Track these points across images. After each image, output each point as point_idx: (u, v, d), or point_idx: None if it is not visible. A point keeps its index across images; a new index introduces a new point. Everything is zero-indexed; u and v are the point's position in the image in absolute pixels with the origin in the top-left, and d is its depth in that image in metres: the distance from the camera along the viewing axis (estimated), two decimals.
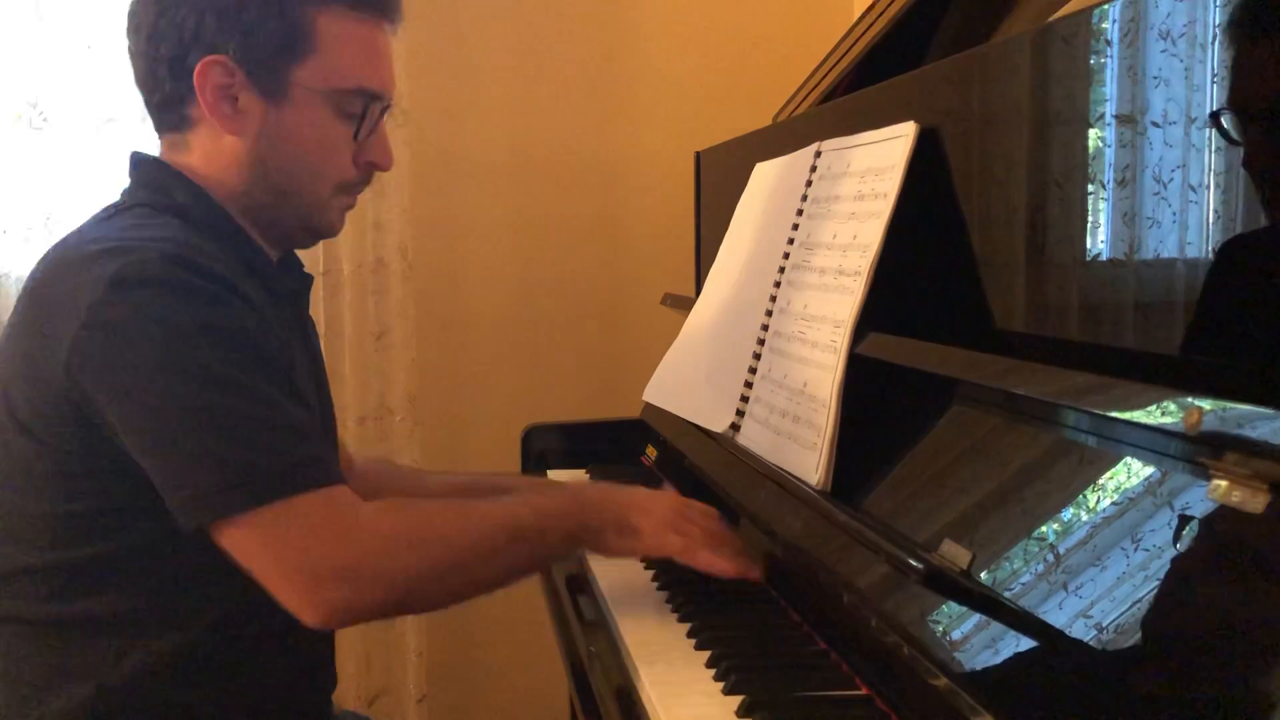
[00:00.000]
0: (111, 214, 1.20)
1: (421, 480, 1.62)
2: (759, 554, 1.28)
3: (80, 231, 1.20)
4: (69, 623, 1.12)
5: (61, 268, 1.13)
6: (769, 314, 1.37)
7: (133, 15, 1.20)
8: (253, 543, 1.06)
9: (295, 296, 1.30)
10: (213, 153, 1.20)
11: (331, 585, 1.06)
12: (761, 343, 1.37)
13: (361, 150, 1.24)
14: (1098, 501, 0.81)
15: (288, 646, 1.18)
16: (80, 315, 1.05)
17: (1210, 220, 0.82)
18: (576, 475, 1.83)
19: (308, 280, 1.34)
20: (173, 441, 1.05)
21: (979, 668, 0.82)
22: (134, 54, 1.21)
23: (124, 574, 1.12)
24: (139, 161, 1.24)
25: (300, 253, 2.37)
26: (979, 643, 0.84)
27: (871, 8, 1.72)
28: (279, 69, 1.17)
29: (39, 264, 1.18)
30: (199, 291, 1.07)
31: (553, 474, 1.86)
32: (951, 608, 0.87)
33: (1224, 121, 0.80)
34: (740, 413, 1.37)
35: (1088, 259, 0.95)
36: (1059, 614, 0.78)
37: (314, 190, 1.22)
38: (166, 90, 1.19)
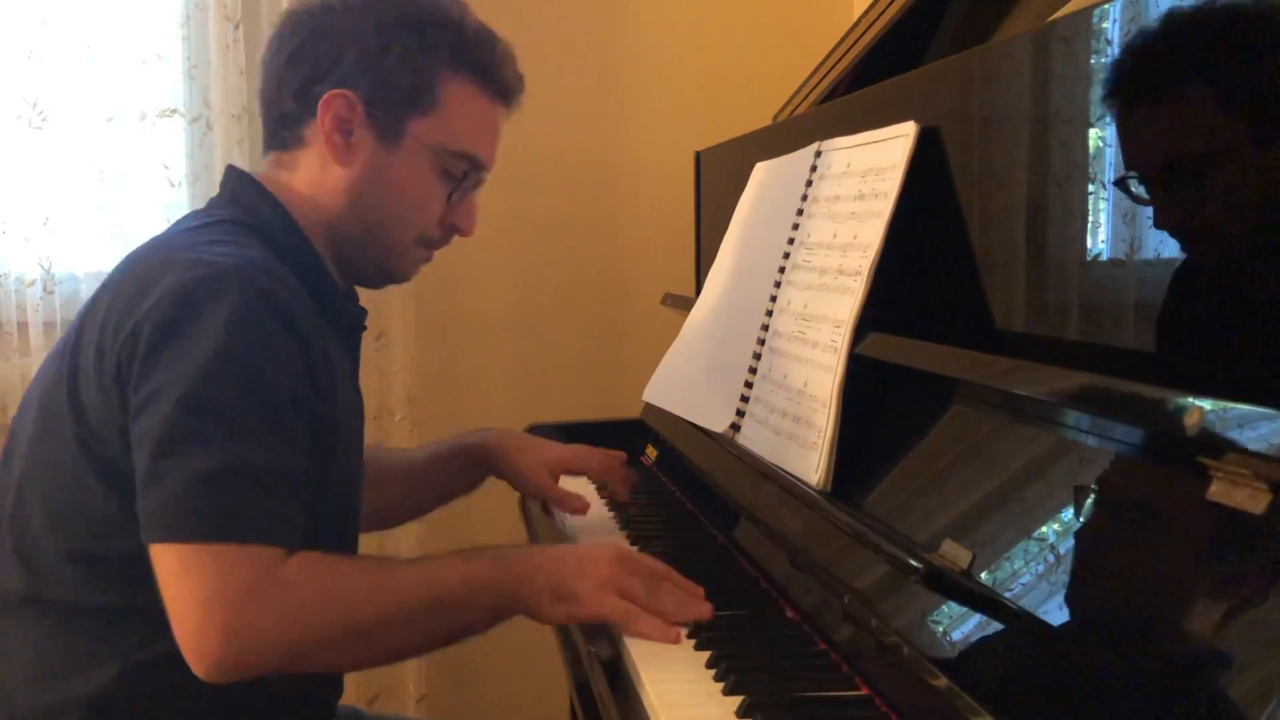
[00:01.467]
0: (200, 224, 1.23)
1: (388, 459, 1.62)
2: (759, 555, 1.28)
3: (169, 235, 1.23)
4: (99, 610, 1.14)
5: (143, 268, 1.15)
6: (769, 314, 1.37)
7: (279, 35, 1.27)
8: (167, 574, 1.06)
9: (352, 330, 1.33)
10: (315, 176, 1.25)
11: (216, 642, 1.04)
12: (761, 343, 1.37)
13: (450, 211, 1.30)
14: (1098, 501, 0.81)
15: None
16: (141, 312, 1.09)
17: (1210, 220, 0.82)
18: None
19: (363, 314, 1.37)
20: (155, 451, 1.06)
21: (979, 668, 0.82)
22: (268, 71, 1.27)
23: (153, 571, 1.11)
24: (232, 174, 1.28)
25: None
26: (979, 643, 0.84)
27: (871, 7, 1.72)
28: (399, 116, 1.23)
29: (124, 260, 1.21)
30: (253, 319, 1.09)
31: None
32: (951, 608, 0.87)
33: (1130, 186, 0.83)
34: (740, 413, 1.37)
35: (1088, 259, 0.95)
36: (1059, 614, 0.78)
37: (398, 235, 1.28)
38: (288, 110, 1.25)
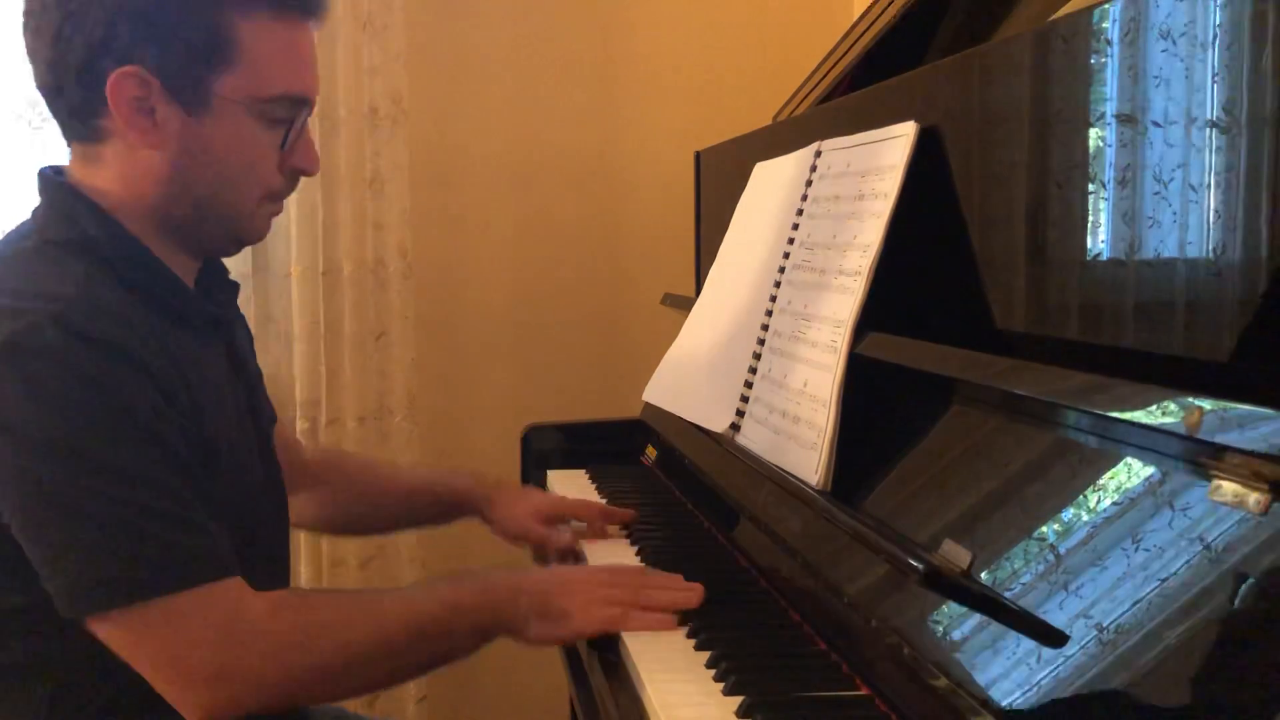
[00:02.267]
0: (19, 251, 1.13)
1: (374, 475, 1.60)
2: (759, 555, 1.28)
3: None
4: (3, 669, 1.09)
5: None
6: (769, 314, 1.37)
7: (31, 15, 1.12)
8: (125, 641, 1.02)
9: (218, 324, 1.22)
10: (127, 168, 1.13)
11: (205, 687, 1.02)
12: (761, 342, 1.37)
13: (287, 156, 1.17)
14: (1098, 501, 0.81)
15: None
16: None
17: (1210, 220, 0.82)
18: (577, 475, 1.83)
19: (233, 290, 1.29)
20: (47, 527, 1.00)
21: (979, 668, 0.82)
22: (34, 57, 1.13)
23: (49, 622, 1.06)
24: (48, 183, 1.17)
25: (302, 251, 2.39)
26: (979, 643, 0.84)
27: (871, 8, 1.72)
28: (199, 80, 1.10)
29: None
30: (86, 363, 1.01)
31: (553, 474, 1.86)
32: (951, 608, 0.87)
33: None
34: (740, 413, 1.37)
35: (1088, 259, 0.95)
36: (1059, 614, 0.78)
37: (239, 202, 1.16)
38: (75, 100, 1.11)
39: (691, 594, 1.16)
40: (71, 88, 1.11)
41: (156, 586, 1.00)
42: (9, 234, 1.18)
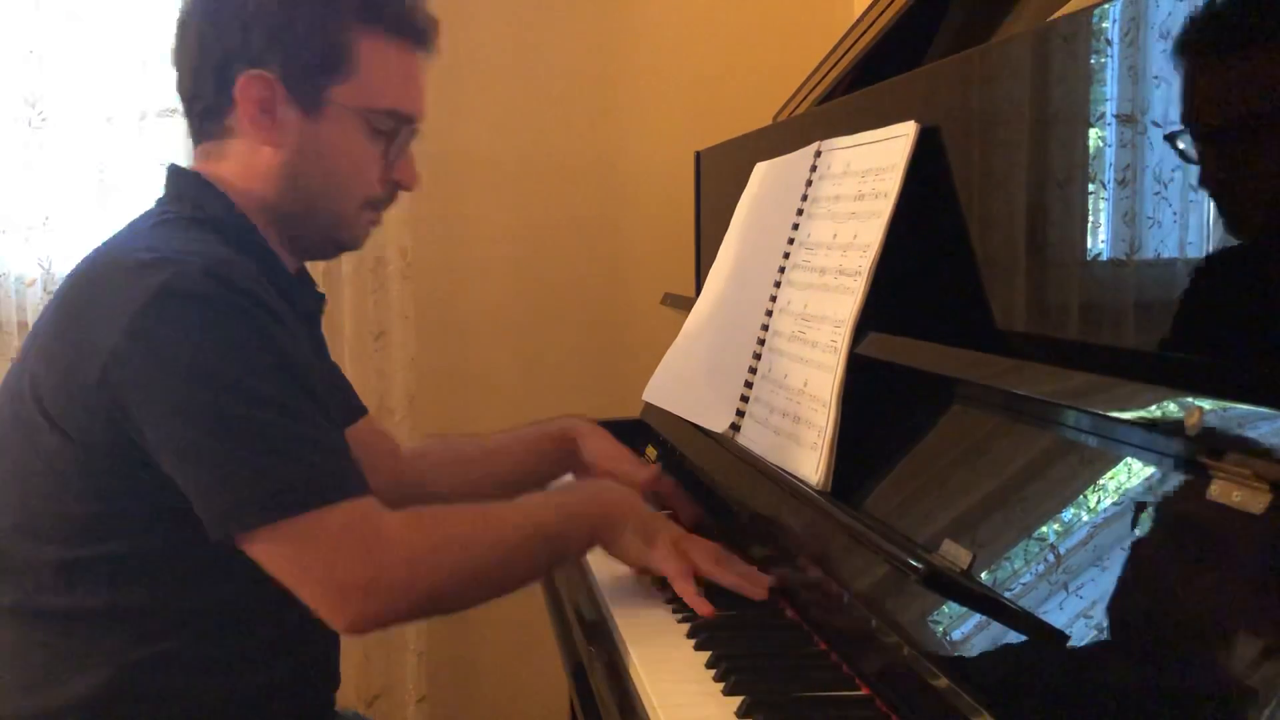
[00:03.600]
0: (152, 223, 1.23)
1: (473, 442, 1.65)
2: (759, 555, 1.28)
3: (123, 238, 1.22)
4: (83, 615, 1.14)
5: (105, 273, 1.15)
6: (769, 314, 1.37)
7: (182, 25, 1.25)
8: (278, 556, 1.09)
9: (311, 315, 1.33)
10: (248, 162, 1.23)
11: (357, 598, 1.09)
12: (761, 343, 1.37)
13: (389, 169, 1.28)
14: (1098, 501, 0.81)
15: (296, 646, 1.21)
16: (123, 324, 1.08)
17: (1210, 220, 0.82)
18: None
19: (322, 300, 1.38)
20: (203, 454, 1.08)
21: (979, 668, 0.82)
22: (178, 61, 1.25)
23: (141, 572, 1.14)
24: (175, 173, 1.27)
25: None
26: (979, 643, 0.84)
27: (871, 7, 1.72)
28: (318, 86, 1.21)
29: (79, 266, 1.19)
30: (237, 306, 1.10)
31: None
32: (951, 608, 0.87)
33: (1179, 142, 0.81)
34: (740, 413, 1.37)
35: (1088, 259, 0.95)
36: (1059, 614, 0.78)
37: (342, 204, 1.27)
38: (208, 100, 1.23)
39: (760, 587, 1.20)
40: (206, 88, 1.23)
41: (306, 503, 1.08)
42: (134, 220, 1.26)
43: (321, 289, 2.19)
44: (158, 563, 1.14)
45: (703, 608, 1.16)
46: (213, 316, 1.09)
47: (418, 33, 1.27)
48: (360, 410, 1.53)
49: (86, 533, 1.13)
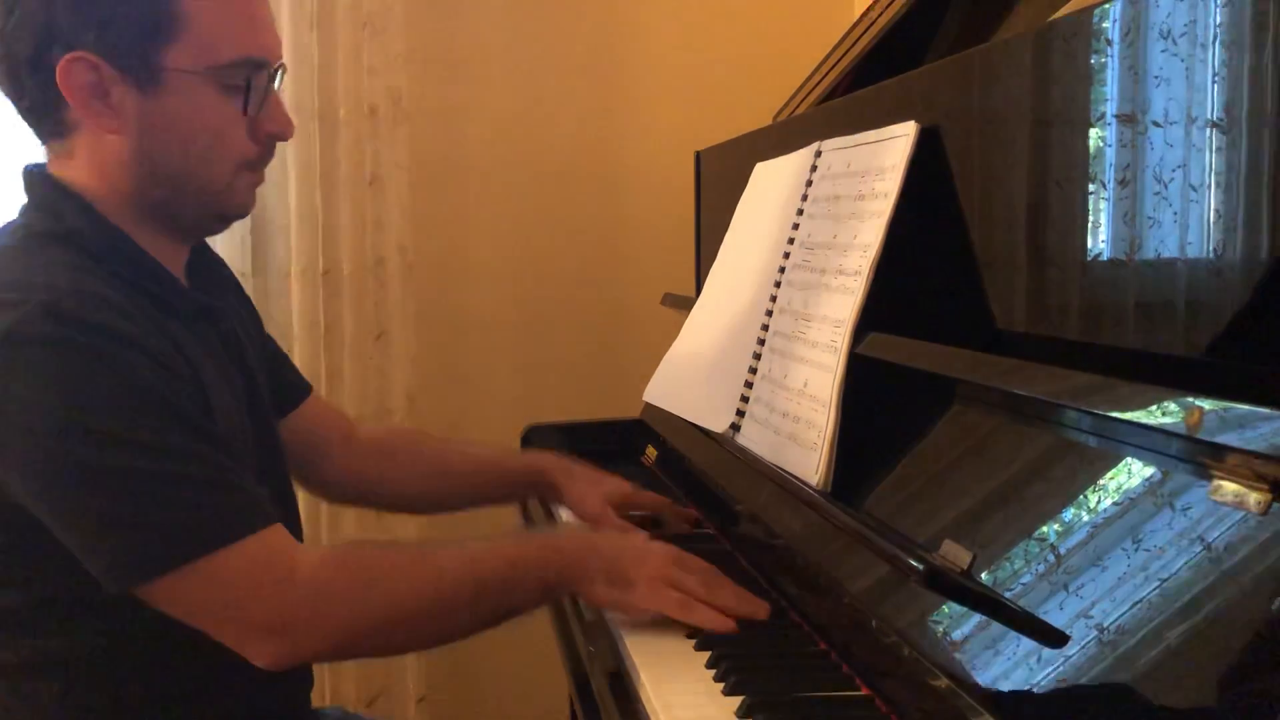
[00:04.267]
0: (7, 244, 1.12)
1: (446, 450, 1.58)
2: (759, 555, 1.28)
3: None
4: (15, 665, 1.10)
5: None
6: (769, 314, 1.37)
7: None
8: (180, 601, 1.03)
9: (209, 312, 1.20)
10: (96, 156, 1.12)
11: (263, 637, 1.04)
12: (762, 343, 1.37)
13: (257, 122, 1.14)
14: (1098, 501, 0.81)
15: (240, 676, 1.11)
16: None
17: (1211, 220, 0.82)
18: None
19: (227, 285, 1.28)
20: (82, 510, 1.01)
21: (979, 668, 0.82)
22: None
23: (61, 618, 1.09)
24: (31, 178, 1.16)
25: (302, 251, 2.39)
26: (979, 643, 0.84)
27: (871, 7, 1.72)
28: (147, 55, 1.08)
29: None
30: (86, 347, 1.01)
31: None
32: (951, 608, 0.87)
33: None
34: (740, 413, 1.37)
35: (1088, 259, 0.95)
36: (1059, 614, 0.78)
37: (212, 176, 1.14)
38: (34, 96, 1.10)
39: (758, 607, 1.13)
40: (29, 84, 1.10)
41: (199, 548, 1.01)
42: None
43: (320, 288, 2.17)
44: (73, 609, 1.08)
45: (723, 625, 1.09)
46: (61, 362, 0.99)
47: None
48: (303, 390, 1.44)
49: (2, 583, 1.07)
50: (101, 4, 1.06)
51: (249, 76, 1.12)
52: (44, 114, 1.12)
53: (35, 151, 1.22)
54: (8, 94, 1.14)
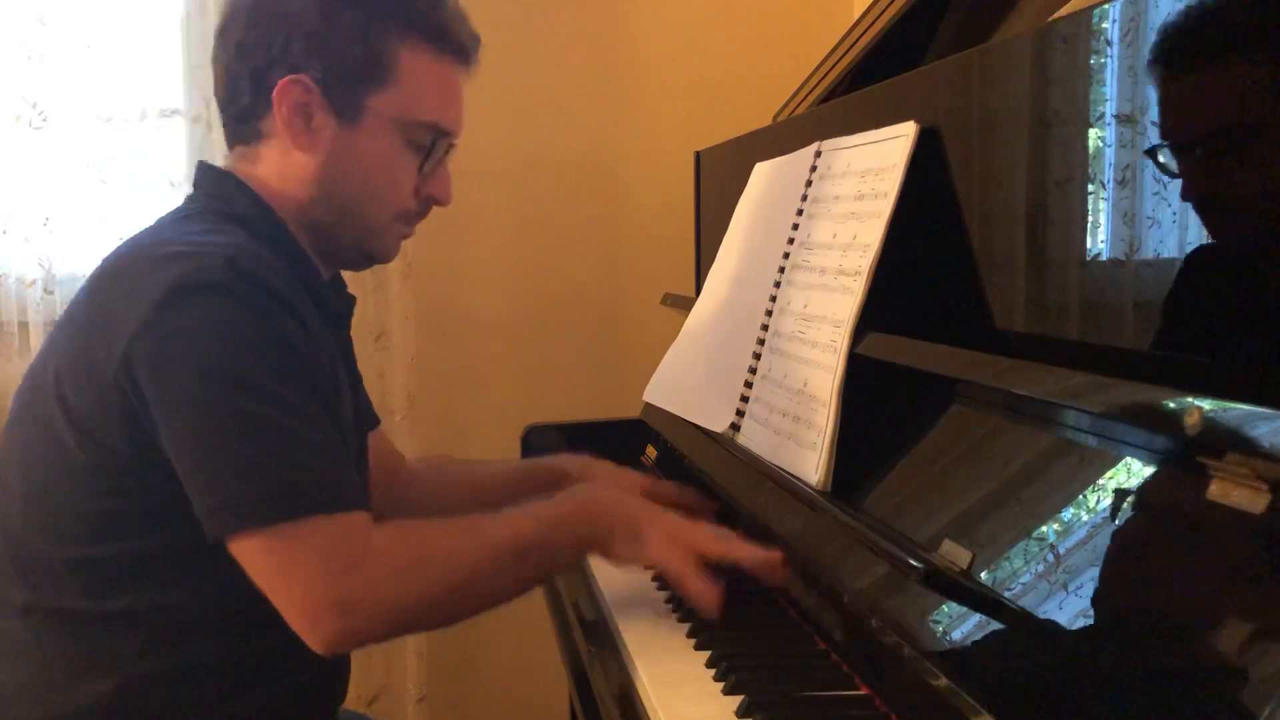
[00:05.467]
0: (180, 218, 1.22)
1: (472, 470, 1.63)
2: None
3: (150, 232, 1.21)
4: (95, 618, 1.14)
5: (129, 267, 1.14)
6: (769, 314, 1.37)
7: (224, 28, 1.24)
8: (261, 563, 1.08)
9: (340, 319, 1.31)
10: (282, 167, 1.23)
11: (330, 616, 1.07)
12: (761, 342, 1.37)
13: (424, 183, 1.28)
14: (1098, 501, 0.81)
15: (307, 656, 1.17)
16: (141, 315, 1.07)
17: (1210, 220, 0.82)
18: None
19: (352, 302, 1.36)
20: (201, 448, 1.06)
21: (979, 668, 0.82)
22: (219, 64, 1.25)
23: (159, 573, 1.13)
24: (205, 170, 1.27)
25: None
26: (979, 643, 0.84)
27: (871, 7, 1.72)
28: (356, 94, 1.20)
29: (106, 260, 1.19)
30: (257, 302, 1.09)
31: None
32: (951, 608, 0.87)
33: (1160, 156, 0.82)
34: (740, 413, 1.37)
35: (1088, 259, 0.95)
36: (1059, 614, 0.78)
37: (374, 214, 1.25)
38: (245, 103, 1.22)
39: (773, 559, 1.16)
40: (244, 91, 1.22)
41: (294, 510, 1.06)
42: (167, 214, 1.25)
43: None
44: (172, 565, 1.13)
45: (709, 605, 1.13)
46: (230, 310, 1.07)
47: (459, 47, 1.27)
48: (373, 420, 1.51)
49: (101, 531, 1.12)
50: (334, 41, 1.19)
51: (433, 139, 1.26)
52: (246, 119, 1.23)
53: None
54: (220, 96, 1.25)
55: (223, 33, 1.24)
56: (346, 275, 2.10)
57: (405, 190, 1.26)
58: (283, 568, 1.07)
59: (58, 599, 1.14)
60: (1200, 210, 0.81)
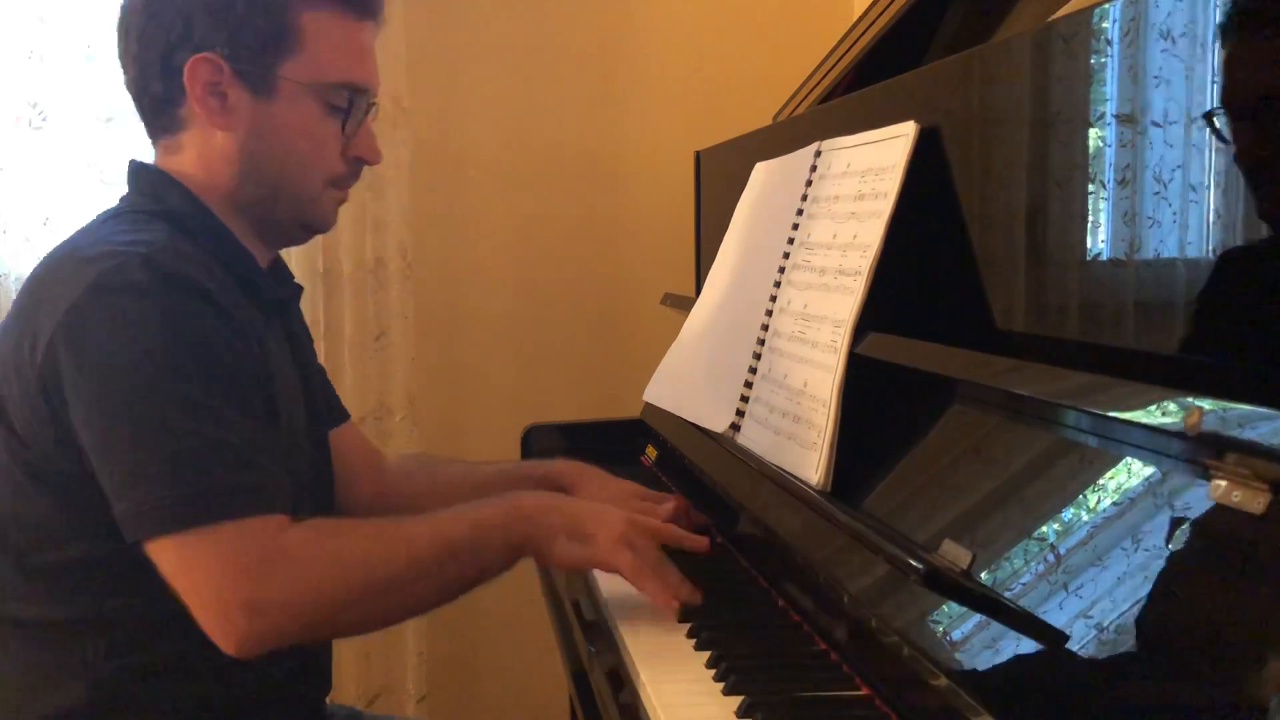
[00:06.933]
0: (109, 218, 1.22)
1: (466, 472, 1.59)
2: (759, 555, 1.28)
3: (81, 233, 1.21)
4: (61, 624, 1.13)
5: (55, 269, 1.15)
6: (769, 314, 1.37)
7: (123, 19, 1.23)
8: (173, 565, 1.06)
9: (283, 306, 1.30)
10: (204, 151, 1.22)
11: (240, 617, 1.05)
12: (761, 342, 1.37)
13: (350, 145, 1.26)
14: (1098, 501, 0.81)
15: (281, 650, 1.16)
16: (58, 317, 1.07)
17: (1210, 220, 0.82)
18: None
19: (297, 290, 1.36)
20: (121, 453, 1.06)
21: (979, 668, 0.82)
22: (124, 57, 1.24)
23: (107, 579, 1.12)
24: (136, 169, 1.26)
25: (300, 251, 2.39)
26: (979, 643, 0.84)
27: (871, 7, 1.72)
28: (267, 65, 1.19)
29: (38, 265, 1.20)
30: (174, 301, 1.08)
31: None
32: (951, 608, 0.87)
33: (1217, 121, 0.81)
34: (740, 413, 1.37)
35: (1088, 259, 0.95)
36: (1059, 614, 0.78)
37: (304, 183, 1.24)
38: (157, 92, 1.21)
39: (695, 594, 1.16)
40: (154, 80, 1.21)
41: (207, 515, 1.05)
42: (99, 214, 1.25)
43: (320, 288, 2.20)
44: (121, 568, 1.11)
45: (667, 602, 1.13)
46: (144, 310, 1.07)
47: (361, 3, 1.25)
48: (341, 415, 1.50)
49: (46, 538, 1.12)
50: (235, 14, 1.18)
51: (350, 100, 1.24)
52: (162, 109, 1.22)
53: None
54: (132, 88, 1.24)
55: (124, 25, 1.23)
56: (347, 276, 2.09)
57: (331, 155, 1.25)
58: (191, 571, 1.06)
59: (16, 609, 1.14)
60: (1249, 179, 0.79)
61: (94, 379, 1.06)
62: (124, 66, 1.24)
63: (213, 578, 1.05)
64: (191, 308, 1.09)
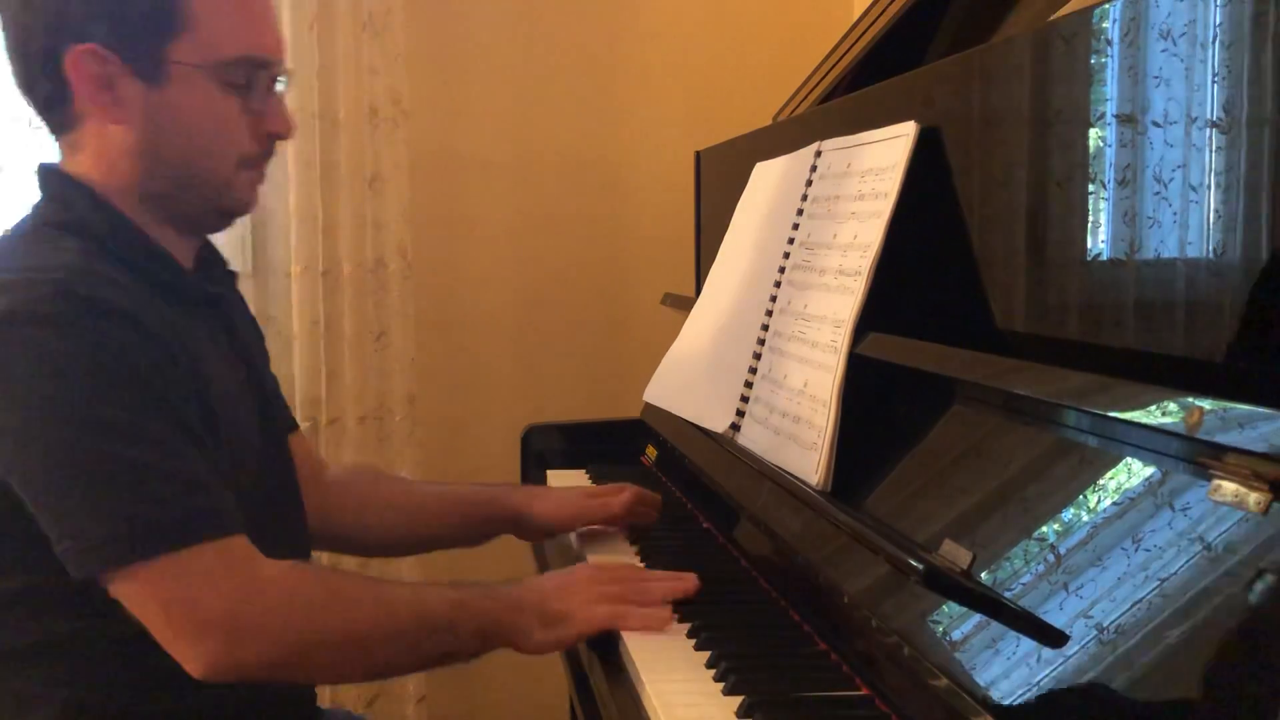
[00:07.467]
0: (19, 235, 1.16)
1: (410, 490, 1.57)
2: (759, 555, 1.28)
3: None
4: (22, 651, 1.10)
5: None
6: (769, 314, 1.37)
7: (0, 18, 1.15)
8: (139, 596, 1.03)
9: (214, 300, 1.24)
10: (103, 148, 1.15)
11: (214, 637, 1.03)
12: (762, 342, 1.37)
13: (258, 121, 1.18)
14: (1098, 501, 0.81)
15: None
16: None
17: (1210, 220, 0.82)
18: (576, 475, 1.83)
19: (230, 278, 1.30)
20: (57, 489, 1.02)
21: (979, 668, 0.82)
22: (10, 56, 1.16)
23: (57, 603, 1.09)
24: (43, 173, 1.19)
25: (302, 251, 2.39)
26: (979, 643, 0.84)
27: (871, 7, 1.72)
28: (154, 50, 1.11)
29: None
30: (91, 329, 1.03)
31: (552, 474, 1.86)
32: (951, 608, 0.87)
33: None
34: (740, 413, 1.37)
35: (1088, 259, 0.95)
36: (1059, 614, 0.78)
37: (213, 169, 1.17)
38: (46, 90, 1.14)
39: (686, 582, 1.17)
40: (39, 78, 1.14)
41: (163, 543, 1.02)
42: (10, 228, 1.19)
43: (320, 288, 2.17)
44: (65, 595, 1.08)
45: (657, 624, 1.12)
46: (64, 343, 1.02)
47: None
48: (289, 424, 1.42)
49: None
50: (113, 0, 1.10)
51: (250, 75, 1.16)
52: (54, 107, 1.15)
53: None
54: (21, 87, 1.17)
55: (1, 23, 1.15)
56: (347, 276, 2.08)
57: (239, 135, 1.17)
58: (155, 602, 1.03)
59: None
60: None
61: (18, 418, 1.02)
62: (11, 65, 1.16)
63: (184, 600, 1.02)
64: (113, 332, 1.04)
